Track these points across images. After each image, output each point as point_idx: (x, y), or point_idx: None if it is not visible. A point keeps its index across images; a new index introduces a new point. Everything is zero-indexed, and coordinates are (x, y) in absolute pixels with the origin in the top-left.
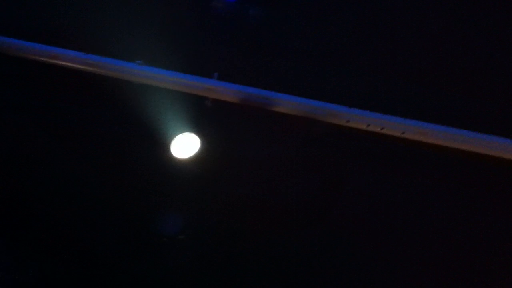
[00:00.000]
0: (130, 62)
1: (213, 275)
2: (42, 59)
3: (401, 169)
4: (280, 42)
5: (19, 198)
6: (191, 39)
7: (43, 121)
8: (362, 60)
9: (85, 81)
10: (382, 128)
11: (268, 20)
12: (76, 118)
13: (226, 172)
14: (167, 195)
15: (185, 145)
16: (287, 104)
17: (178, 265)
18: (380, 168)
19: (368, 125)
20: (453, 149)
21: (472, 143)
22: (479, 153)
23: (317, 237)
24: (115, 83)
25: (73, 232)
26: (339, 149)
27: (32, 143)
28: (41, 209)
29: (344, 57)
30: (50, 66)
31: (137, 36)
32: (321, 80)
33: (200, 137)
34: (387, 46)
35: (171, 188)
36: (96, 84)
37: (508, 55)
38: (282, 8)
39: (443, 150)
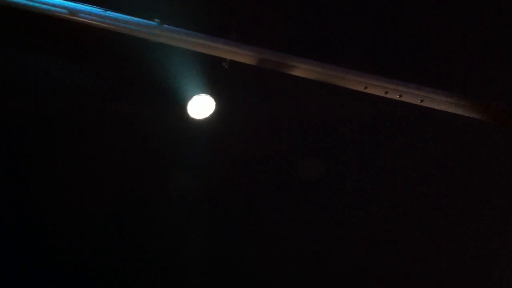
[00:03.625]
0: (148, 20)
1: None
2: (60, 14)
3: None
4: (299, 4)
5: None
6: None
7: (57, 80)
8: (382, 26)
9: (103, 38)
10: (400, 96)
11: None
12: (92, 76)
13: (240, 134)
14: (181, 155)
15: (201, 106)
16: (305, 67)
17: (187, 224)
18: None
19: (386, 92)
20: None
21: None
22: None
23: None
24: (132, 41)
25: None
26: (356, 115)
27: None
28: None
29: (364, 23)
30: (67, 22)
31: None
32: (340, 45)
33: (215, 99)
34: (408, 13)
35: (186, 148)
36: (114, 41)
37: None
38: None
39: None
